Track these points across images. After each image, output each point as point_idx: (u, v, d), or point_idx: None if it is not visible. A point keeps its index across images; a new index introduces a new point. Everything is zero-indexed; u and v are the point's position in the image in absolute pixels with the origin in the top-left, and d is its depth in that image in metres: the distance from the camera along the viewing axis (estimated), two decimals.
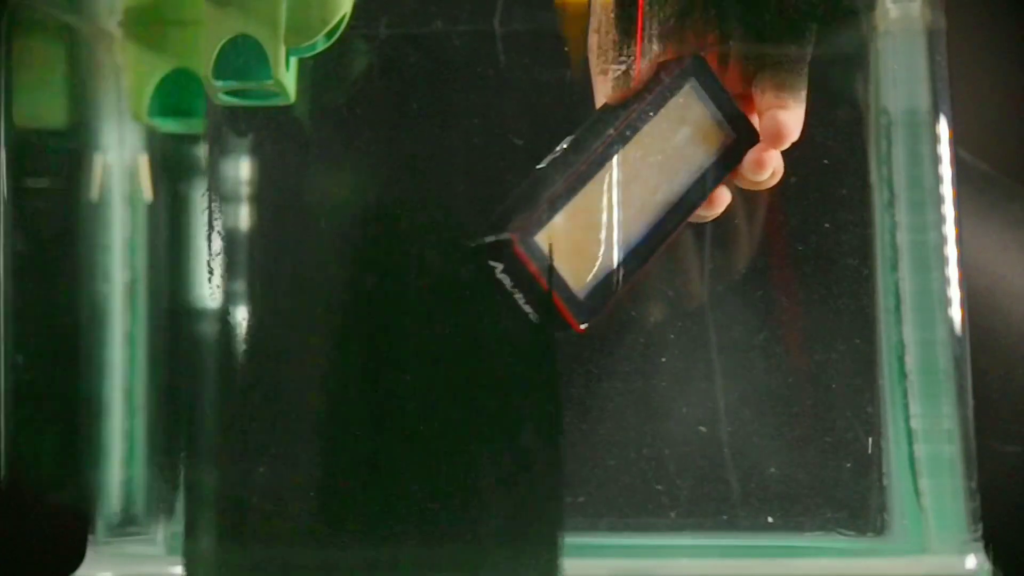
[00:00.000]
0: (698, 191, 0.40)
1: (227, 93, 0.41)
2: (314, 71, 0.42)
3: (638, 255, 0.39)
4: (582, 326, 0.38)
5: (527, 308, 0.38)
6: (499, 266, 0.37)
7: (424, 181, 0.43)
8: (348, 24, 0.41)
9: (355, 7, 0.41)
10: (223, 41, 0.40)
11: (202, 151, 0.43)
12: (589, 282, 0.38)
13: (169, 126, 0.42)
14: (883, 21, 0.43)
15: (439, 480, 0.43)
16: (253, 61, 0.40)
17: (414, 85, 0.43)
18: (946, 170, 0.42)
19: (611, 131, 0.38)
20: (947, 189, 0.42)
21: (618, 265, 0.39)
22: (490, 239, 0.37)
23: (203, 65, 0.40)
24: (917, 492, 0.42)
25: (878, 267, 0.43)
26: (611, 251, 0.39)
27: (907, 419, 0.42)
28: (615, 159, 0.39)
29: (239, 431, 0.43)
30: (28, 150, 0.41)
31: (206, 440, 0.43)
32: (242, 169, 0.43)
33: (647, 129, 0.39)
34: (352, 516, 0.43)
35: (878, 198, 0.43)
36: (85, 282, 0.42)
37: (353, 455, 0.43)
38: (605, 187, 0.39)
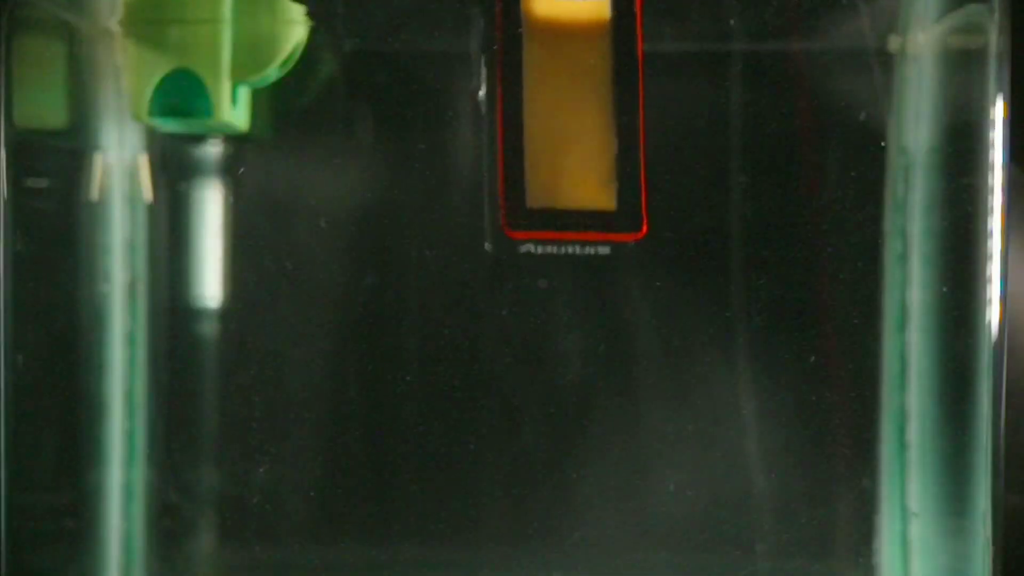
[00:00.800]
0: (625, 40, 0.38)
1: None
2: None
3: (628, 132, 0.37)
4: (641, 232, 0.37)
5: (595, 248, 0.37)
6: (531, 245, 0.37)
7: (423, 181, 0.43)
8: (304, 50, 0.41)
9: (312, 32, 0.41)
10: (159, 77, 0.40)
11: (203, 151, 0.43)
12: (613, 191, 0.37)
13: (169, 126, 0.41)
14: (909, 46, 0.41)
15: (439, 480, 0.43)
16: (194, 97, 0.40)
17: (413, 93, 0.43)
18: (995, 222, 0.39)
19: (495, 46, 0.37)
20: (995, 243, 0.39)
21: (621, 149, 0.38)
22: (491, 244, 0.37)
23: (137, 103, 0.40)
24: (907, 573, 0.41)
25: (885, 327, 0.42)
26: (604, 149, 0.38)
27: (903, 495, 0.41)
28: (522, 67, 0.37)
29: (239, 431, 0.43)
30: (28, 150, 0.41)
31: (206, 440, 0.43)
32: (241, 169, 0.43)
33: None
34: (352, 516, 0.43)
35: (889, 249, 0.42)
36: (85, 282, 0.42)
37: (353, 455, 0.43)
38: (538, 101, 0.37)
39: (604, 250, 0.39)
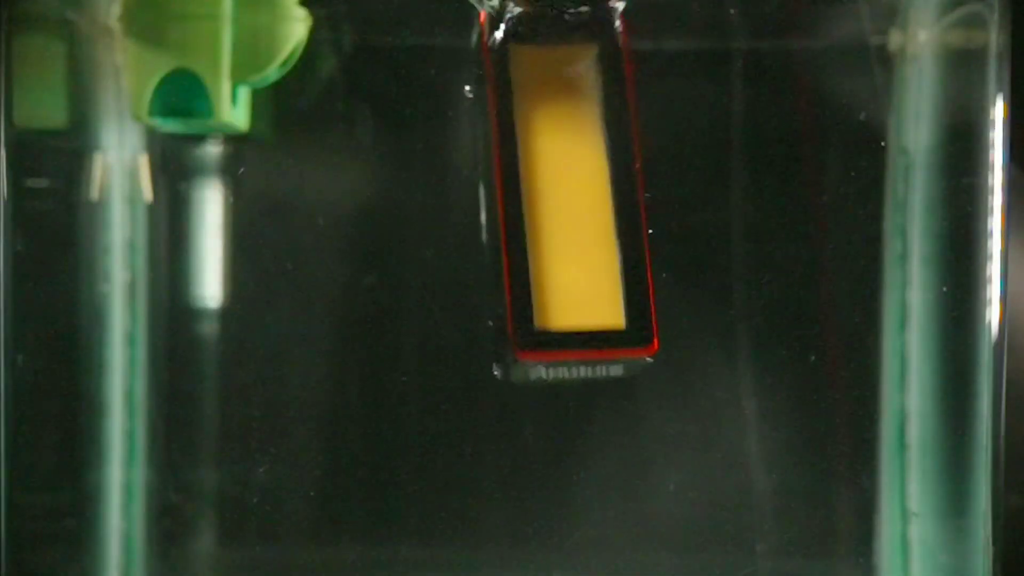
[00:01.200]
0: (620, 137, 0.38)
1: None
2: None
3: (632, 242, 0.38)
4: (653, 348, 0.37)
5: (605, 370, 0.37)
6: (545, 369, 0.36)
7: (424, 181, 0.43)
8: (305, 50, 0.41)
9: (312, 31, 0.41)
10: (160, 76, 0.40)
11: (203, 151, 0.43)
12: (621, 307, 0.37)
13: (169, 126, 0.41)
14: (910, 45, 0.41)
15: (439, 480, 0.43)
16: (193, 98, 0.40)
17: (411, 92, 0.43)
18: (995, 222, 0.39)
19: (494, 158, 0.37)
20: (995, 243, 0.39)
21: (626, 265, 0.38)
22: (503, 367, 0.36)
23: (137, 103, 0.40)
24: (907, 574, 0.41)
25: (885, 327, 0.41)
26: (608, 263, 0.38)
27: (903, 496, 0.41)
28: (521, 184, 0.37)
29: (239, 431, 0.43)
30: (28, 150, 0.41)
31: (206, 440, 0.43)
32: (241, 169, 0.43)
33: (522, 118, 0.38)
34: (352, 516, 0.43)
35: (889, 250, 0.42)
36: (85, 282, 0.42)
37: (353, 455, 0.43)
38: (539, 215, 0.37)
39: (616, 371, 0.38)
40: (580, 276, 0.37)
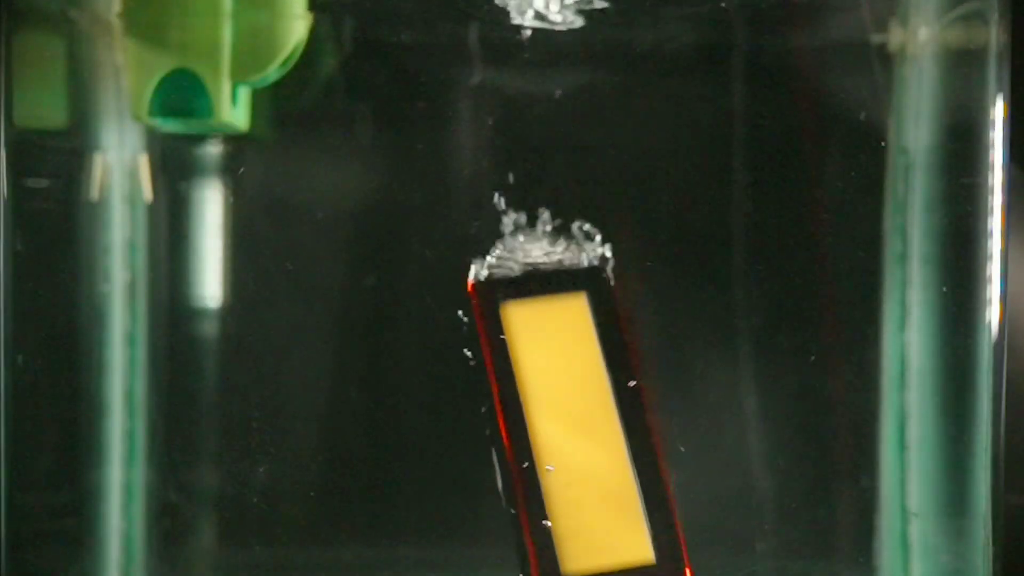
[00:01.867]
0: (621, 370, 0.38)
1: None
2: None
3: (649, 472, 0.37)
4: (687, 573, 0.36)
5: None
6: None
7: (424, 181, 0.43)
8: (305, 49, 0.41)
9: (312, 30, 0.41)
10: (160, 76, 0.40)
11: (203, 151, 0.43)
12: (647, 539, 0.36)
13: (169, 126, 0.41)
14: (909, 44, 0.41)
15: (439, 480, 0.43)
16: (193, 97, 0.40)
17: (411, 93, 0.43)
18: (995, 222, 0.39)
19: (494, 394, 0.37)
20: (995, 243, 0.39)
21: (646, 495, 0.37)
22: None
23: (137, 103, 0.40)
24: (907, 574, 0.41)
25: (885, 327, 0.41)
26: (628, 495, 0.37)
27: (903, 495, 0.41)
28: (530, 434, 0.37)
29: (239, 431, 0.43)
30: (28, 150, 0.41)
31: (206, 440, 0.43)
32: (241, 169, 0.43)
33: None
34: (352, 516, 0.43)
35: (889, 250, 0.42)
36: (85, 282, 0.42)
37: (353, 455, 0.43)
38: (552, 460, 0.37)
39: None
40: (601, 514, 0.37)
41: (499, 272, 0.39)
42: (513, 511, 0.37)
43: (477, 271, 0.39)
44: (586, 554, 0.36)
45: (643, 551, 0.36)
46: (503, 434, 0.37)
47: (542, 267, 0.39)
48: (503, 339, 0.38)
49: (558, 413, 0.37)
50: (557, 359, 0.38)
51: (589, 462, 0.37)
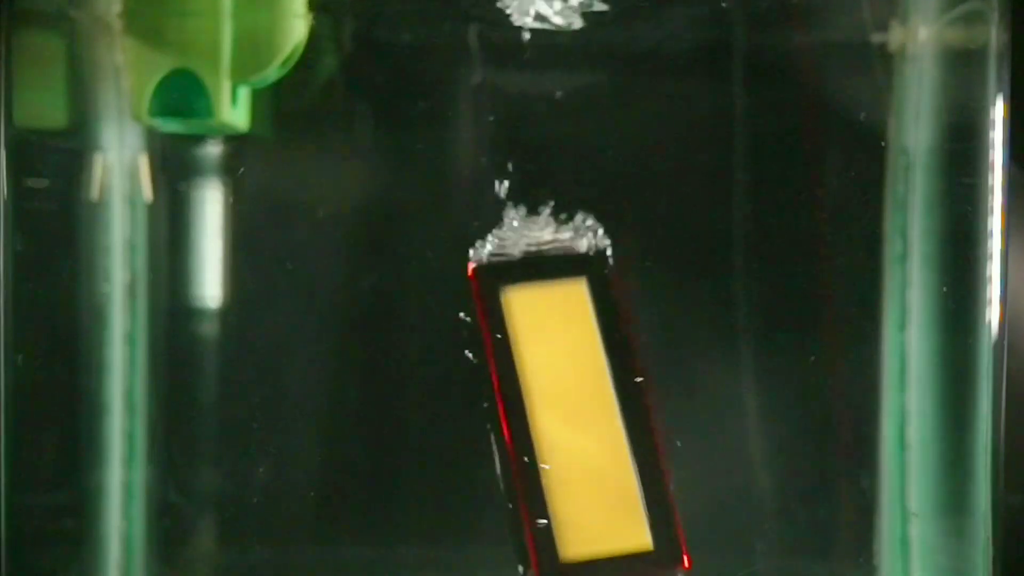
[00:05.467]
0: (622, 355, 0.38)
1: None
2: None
3: (648, 458, 0.37)
4: (684, 565, 0.36)
5: None
6: None
7: (424, 181, 0.43)
8: (305, 49, 0.41)
9: (312, 31, 0.41)
10: (160, 76, 0.40)
11: (203, 151, 0.43)
12: (645, 526, 0.36)
13: (169, 126, 0.41)
14: (909, 44, 0.41)
15: (439, 480, 0.43)
16: (193, 97, 0.40)
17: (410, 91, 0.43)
18: (995, 222, 0.39)
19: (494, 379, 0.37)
20: (995, 243, 0.39)
21: (644, 482, 0.37)
22: None
23: (137, 103, 0.40)
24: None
25: (885, 327, 0.41)
26: (626, 482, 0.37)
27: (903, 495, 0.41)
28: (529, 420, 0.37)
29: (239, 431, 0.43)
30: (28, 150, 0.41)
31: (206, 440, 0.43)
32: (241, 169, 0.43)
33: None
34: (352, 516, 0.43)
35: (889, 250, 0.42)
36: (85, 282, 0.42)
37: (353, 455, 0.43)
38: (551, 446, 0.37)
39: None
40: (600, 500, 0.37)
41: (500, 258, 0.39)
42: (511, 505, 0.37)
43: (478, 256, 0.39)
44: (584, 541, 0.36)
45: (641, 539, 0.36)
46: (502, 420, 0.37)
47: (543, 252, 0.39)
48: (503, 328, 0.38)
49: (557, 399, 0.37)
50: (557, 345, 0.38)
51: (587, 450, 0.37)
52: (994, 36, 0.39)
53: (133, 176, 0.43)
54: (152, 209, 0.43)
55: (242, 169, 0.43)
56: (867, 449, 0.42)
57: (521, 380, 0.37)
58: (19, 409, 0.40)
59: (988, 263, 0.40)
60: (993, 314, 0.40)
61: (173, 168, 0.43)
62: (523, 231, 0.39)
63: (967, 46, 0.40)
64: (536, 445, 0.37)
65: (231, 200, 0.43)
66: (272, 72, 0.40)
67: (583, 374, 0.38)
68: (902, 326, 0.41)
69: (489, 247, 0.40)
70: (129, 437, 0.43)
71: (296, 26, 0.40)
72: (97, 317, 0.42)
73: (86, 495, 0.42)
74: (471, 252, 0.41)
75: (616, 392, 0.37)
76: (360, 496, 0.43)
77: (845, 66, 0.41)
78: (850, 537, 0.42)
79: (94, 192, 0.42)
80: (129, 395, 0.43)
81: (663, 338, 0.42)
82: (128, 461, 0.43)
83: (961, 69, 0.40)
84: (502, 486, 0.38)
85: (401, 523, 0.43)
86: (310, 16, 0.41)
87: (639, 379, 0.38)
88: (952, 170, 0.41)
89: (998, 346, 0.39)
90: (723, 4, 0.41)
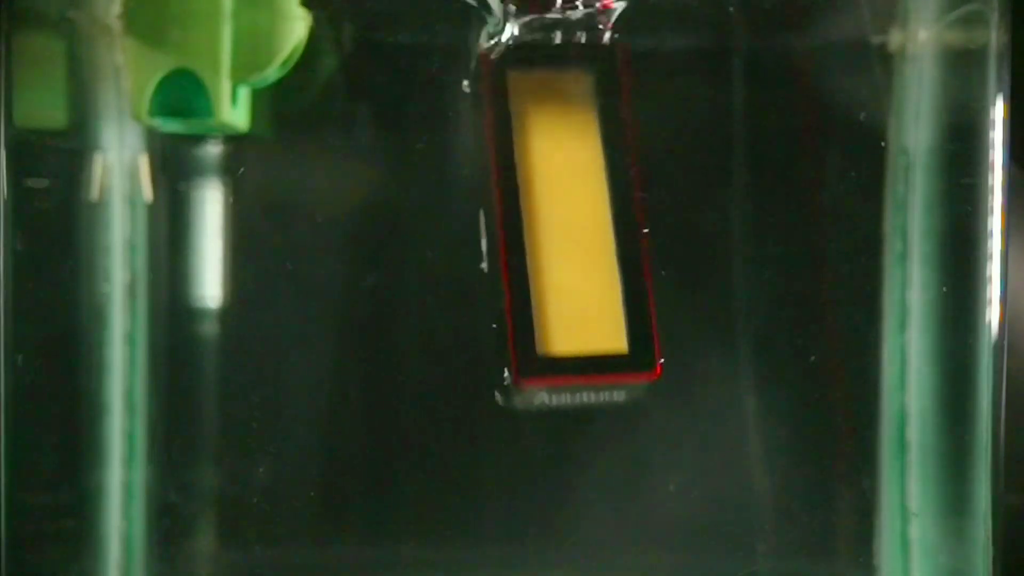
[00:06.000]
0: (619, 161, 0.38)
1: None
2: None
3: (633, 266, 0.38)
4: (656, 372, 0.37)
5: (609, 395, 0.36)
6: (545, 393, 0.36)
7: (424, 181, 0.43)
8: (305, 50, 0.41)
9: (312, 31, 0.41)
10: (160, 76, 0.40)
11: (203, 151, 0.43)
12: (623, 331, 0.37)
13: (170, 126, 0.42)
14: (909, 44, 0.41)
15: (439, 480, 0.43)
16: (193, 97, 0.40)
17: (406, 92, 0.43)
18: (995, 222, 0.39)
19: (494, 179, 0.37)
20: (995, 243, 0.39)
21: (628, 290, 0.37)
22: (505, 393, 0.36)
23: (137, 103, 0.40)
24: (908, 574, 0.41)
25: (885, 327, 0.41)
26: (610, 287, 0.37)
27: (903, 495, 0.41)
28: (522, 210, 0.37)
29: (239, 431, 0.43)
30: (28, 150, 0.41)
31: (206, 440, 0.43)
32: (241, 169, 0.43)
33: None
34: (352, 516, 0.43)
35: (889, 250, 0.42)
36: (85, 282, 0.42)
37: (353, 455, 0.43)
38: (540, 241, 0.37)
39: (619, 396, 0.38)
40: (582, 301, 0.37)
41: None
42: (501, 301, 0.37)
43: (487, 41, 0.38)
44: (563, 338, 0.37)
45: (618, 342, 0.37)
46: (497, 209, 0.37)
47: (554, 41, 0.38)
48: (505, 111, 0.38)
49: (552, 197, 0.37)
50: (558, 135, 0.38)
51: (576, 250, 0.37)
52: (994, 36, 0.39)
53: (133, 176, 0.43)
54: (152, 209, 0.43)
55: (242, 169, 0.43)
56: (867, 449, 0.42)
57: (518, 165, 0.37)
58: (19, 409, 0.40)
59: (988, 263, 0.40)
60: (993, 314, 0.40)
61: (173, 168, 0.43)
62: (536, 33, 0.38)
63: (967, 46, 0.40)
64: (526, 227, 0.37)
65: (231, 200, 0.43)
66: (272, 72, 0.40)
67: (579, 166, 0.38)
68: (902, 326, 0.41)
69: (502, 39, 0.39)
70: (129, 437, 0.43)
71: (296, 26, 0.40)
72: (97, 317, 0.42)
73: (86, 495, 0.42)
74: (470, 259, 0.41)
75: (610, 199, 0.37)
76: (360, 496, 0.43)
77: (845, 66, 0.41)
78: (850, 537, 0.42)
79: (94, 192, 0.42)
80: (129, 395, 0.43)
81: (663, 338, 0.42)
82: (128, 461, 0.43)
83: (961, 69, 0.40)
84: (485, 261, 0.38)
85: (401, 523, 0.43)
86: (310, 16, 0.41)
87: (631, 179, 0.37)
88: (952, 170, 0.41)
89: (998, 346, 0.40)
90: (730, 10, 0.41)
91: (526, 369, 0.36)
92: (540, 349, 0.37)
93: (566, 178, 0.38)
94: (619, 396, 0.38)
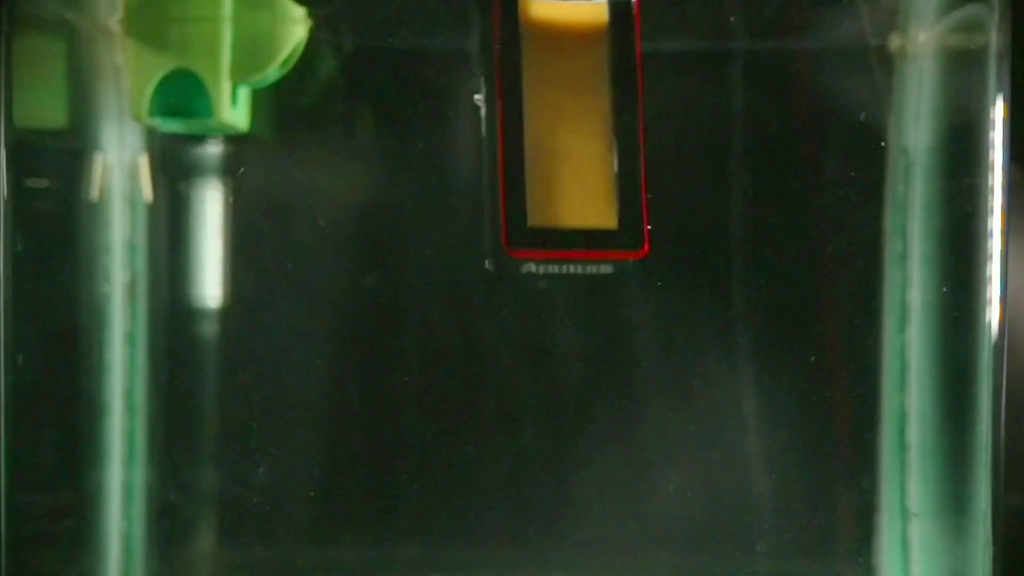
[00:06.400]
0: (622, 54, 0.38)
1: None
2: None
3: (629, 149, 0.38)
4: (644, 250, 0.37)
5: (596, 268, 0.37)
6: (535, 264, 0.37)
7: (424, 181, 0.43)
8: (305, 50, 0.41)
9: (312, 31, 0.41)
10: (159, 76, 0.40)
11: (203, 151, 0.43)
12: (614, 209, 0.37)
13: (169, 126, 0.42)
14: (910, 45, 0.41)
15: (439, 480, 0.43)
16: (193, 97, 0.40)
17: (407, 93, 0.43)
18: (995, 222, 0.39)
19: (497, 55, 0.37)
20: (995, 243, 0.39)
21: (622, 170, 0.38)
22: (496, 263, 0.37)
23: (137, 103, 0.40)
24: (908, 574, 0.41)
25: (885, 327, 0.41)
26: (604, 167, 0.38)
27: (903, 495, 0.41)
28: (523, 90, 0.37)
29: (239, 431, 0.43)
30: (28, 150, 0.41)
31: (206, 440, 0.43)
32: (241, 169, 0.43)
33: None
34: (352, 516, 0.43)
35: (889, 249, 0.42)
36: (85, 282, 0.42)
37: (353, 455, 0.43)
38: (538, 119, 0.38)
39: (606, 268, 0.39)
40: (576, 177, 0.38)
41: None
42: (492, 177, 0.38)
43: None
44: (554, 211, 0.37)
45: (608, 218, 0.37)
46: (498, 83, 0.37)
47: None
48: (515, 30, 0.38)
49: (553, 77, 0.38)
50: (565, 54, 0.38)
51: (573, 135, 0.38)
52: (994, 37, 0.39)
53: (133, 176, 0.43)
54: (152, 209, 0.43)
55: (242, 169, 0.43)
56: (867, 449, 0.42)
57: (524, 74, 0.38)
58: (19, 409, 0.40)
59: (988, 263, 0.40)
60: (993, 314, 0.40)
61: (173, 168, 0.43)
62: None
63: (967, 47, 0.40)
64: (525, 119, 0.37)
65: (231, 200, 0.43)
66: (272, 72, 0.41)
67: (582, 60, 0.38)
68: (902, 326, 0.41)
69: None
70: (129, 437, 0.43)
71: (296, 26, 0.40)
72: (97, 317, 0.42)
73: (86, 495, 0.42)
74: (470, 259, 0.41)
75: (610, 86, 0.38)
76: (360, 496, 0.43)
77: (845, 67, 0.41)
78: (850, 537, 0.42)
79: (94, 192, 0.42)
80: (129, 395, 0.43)
81: (662, 338, 0.42)
82: (128, 461, 0.43)
83: (961, 69, 0.40)
84: (484, 148, 0.38)
85: (401, 523, 0.43)
86: (310, 16, 0.41)
87: (633, 78, 0.38)
88: (952, 170, 0.41)
89: (998, 346, 0.40)
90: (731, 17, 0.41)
91: (517, 240, 0.37)
92: (531, 221, 0.37)
93: (568, 62, 0.38)
94: (605, 270, 0.39)
